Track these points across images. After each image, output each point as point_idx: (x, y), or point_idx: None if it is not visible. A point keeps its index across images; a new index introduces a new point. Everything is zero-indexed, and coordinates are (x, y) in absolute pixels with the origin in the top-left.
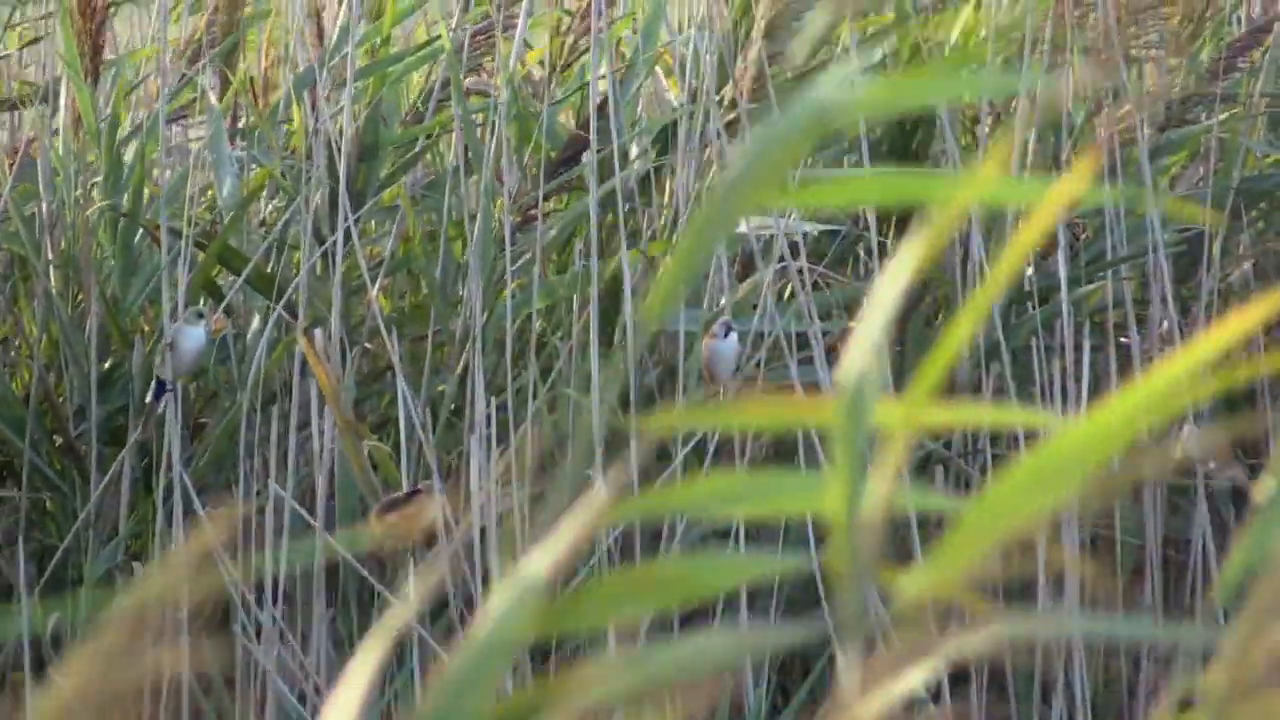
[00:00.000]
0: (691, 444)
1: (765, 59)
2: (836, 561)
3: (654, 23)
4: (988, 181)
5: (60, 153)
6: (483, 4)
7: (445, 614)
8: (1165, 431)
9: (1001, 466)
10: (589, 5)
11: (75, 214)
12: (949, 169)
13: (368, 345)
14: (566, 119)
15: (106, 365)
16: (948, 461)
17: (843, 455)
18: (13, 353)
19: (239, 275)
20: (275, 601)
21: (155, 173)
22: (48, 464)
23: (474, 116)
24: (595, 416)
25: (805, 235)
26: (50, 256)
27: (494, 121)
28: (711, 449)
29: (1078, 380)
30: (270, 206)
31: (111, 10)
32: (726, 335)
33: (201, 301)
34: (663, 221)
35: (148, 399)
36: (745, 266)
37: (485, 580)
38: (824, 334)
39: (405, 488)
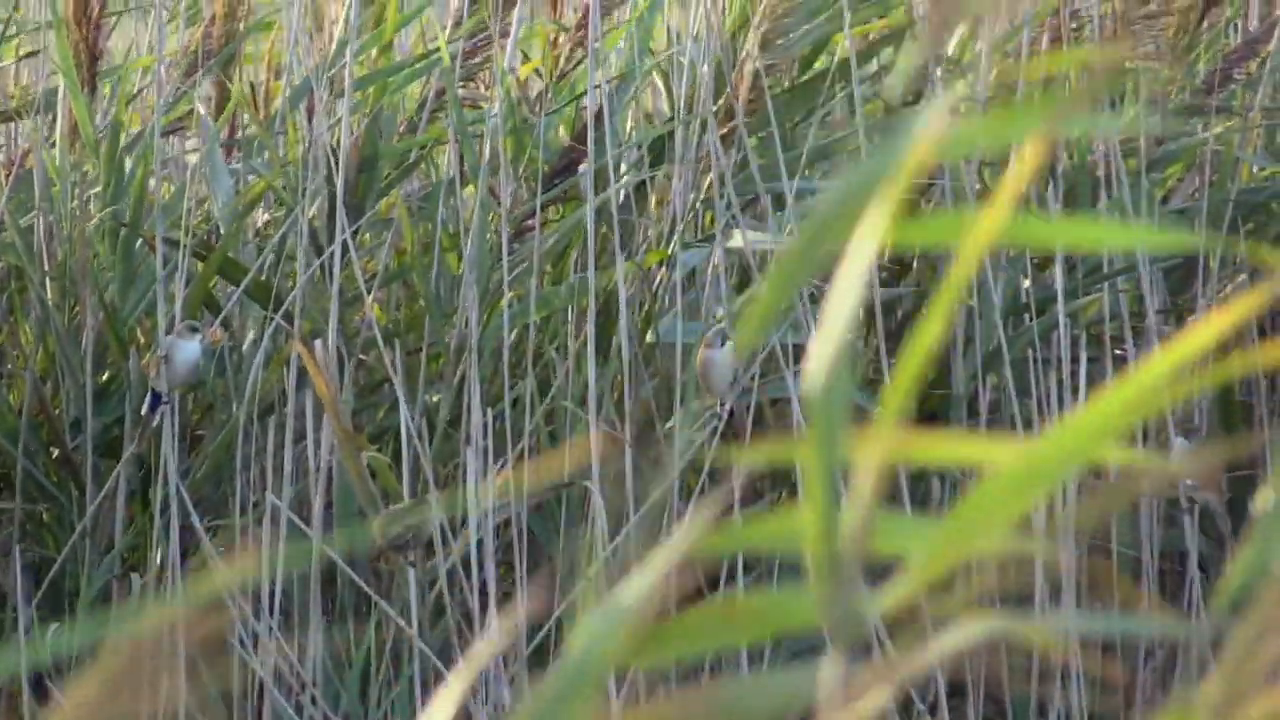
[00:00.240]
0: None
1: (762, 71)
2: (817, 571)
3: (647, 34)
4: (1073, 227)
5: (57, 163)
6: (479, 14)
7: (442, 622)
8: (1160, 444)
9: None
10: (584, 17)
11: (72, 225)
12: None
13: (363, 357)
14: (558, 133)
15: (103, 377)
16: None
17: (817, 466)
18: (9, 364)
19: (237, 286)
20: (272, 612)
21: (150, 184)
22: (44, 475)
23: (470, 128)
24: (592, 428)
25: None
26: (46, 268)
27: (489, 134)
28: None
29: (1075, 392)
30: (267, 217)
31: (112, 20)
32: (722, 345)
33: (198, 315)
34: (658, 233)
35: (143, 411)
36: (742, 278)
37: (483, 591)
38: None
39: (405, 498)
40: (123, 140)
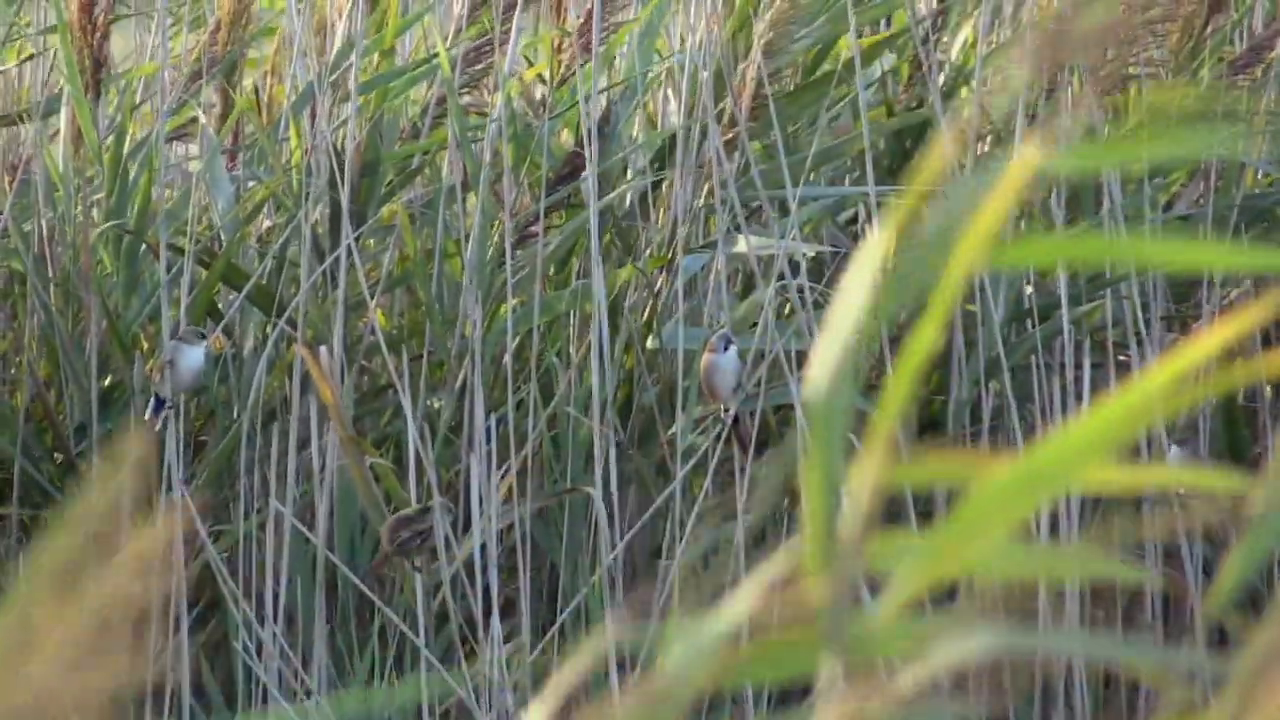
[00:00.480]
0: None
1: (765, 76)
2: (814, 582)
3: (650, 39)
4: (1187, 248)
5: (60, 169)
6: (481, 21)
7: (446, 628)
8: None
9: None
10: (585, 21)
11: (75, 231)
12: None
13: (365, 363)
14: (560, 138)
15: (107, 382)
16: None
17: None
18: (12, 369)
19: (239, 292)
20: (276, 618)
21: (154, 190)
22: (48, 481)
23: (472, 133)
24: (596, 433)
25: (804, 254)
26: (50, 273)
27: (490, 139)
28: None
29: (1078, 398)
30: (269, 223)
31: (117, 25)
32: (726, 349)
33: (202, 321)
34: (660, 238)
35: (146, 415)
36: (746, 284)
37: (486, 597)
38: None
39: (410, 504)
40: (127, 147)
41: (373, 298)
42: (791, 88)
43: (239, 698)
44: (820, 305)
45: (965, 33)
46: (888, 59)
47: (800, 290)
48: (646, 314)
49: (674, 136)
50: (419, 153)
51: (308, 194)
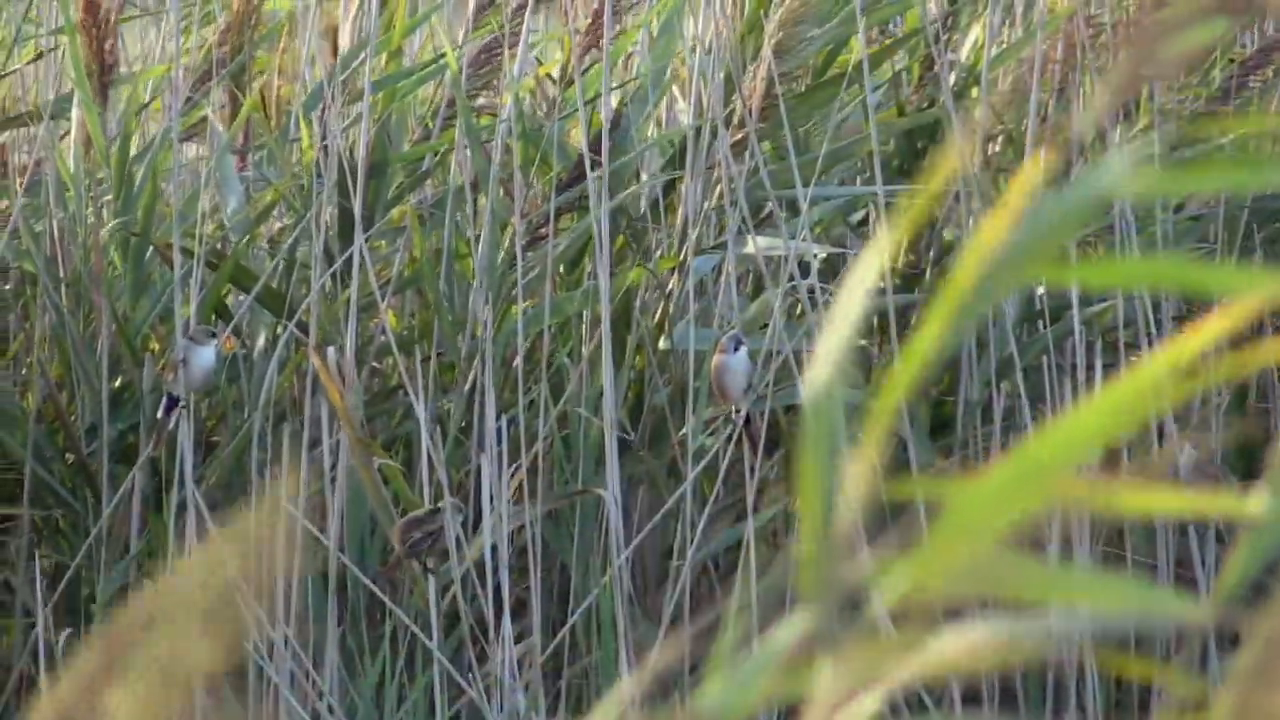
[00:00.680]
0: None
1: (775, 77)
2: (807, 573)
3: (668, 37)
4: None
5: (71, 170)
6: (490, 22)
7: (457, 629)
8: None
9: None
10: (593, 21)
11: (86, 232)
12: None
13: (376, 364)
14: (570, 138)
15: (118, 383)
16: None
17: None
18: (24, 370)
19: (249, 294)
20: (287, 619)
21: (168, 190)
22: (59, 482)
23: (482, 134)
24: (608, 434)
25: (815, 256)
26: (61, 274)
27: (500, 139)
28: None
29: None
30: (279, 225)
31: (125, 24)
32: (736, 349)
33: (211, 322)
34: (672, 239)
35: (159, 414)
36: (756, 285)
37: (497, 598)
38: None
39: (419, 505)
40: (133, 149)
41: (383, 299)
42: (803, 89)
43: (250, 697)
44: (831, 306)
45: (976, 33)
46: (899, 59)
47: (811, 291)
48: (658, 315)
49: (684, 138)
50: (429, 154)
51: (318, 194)
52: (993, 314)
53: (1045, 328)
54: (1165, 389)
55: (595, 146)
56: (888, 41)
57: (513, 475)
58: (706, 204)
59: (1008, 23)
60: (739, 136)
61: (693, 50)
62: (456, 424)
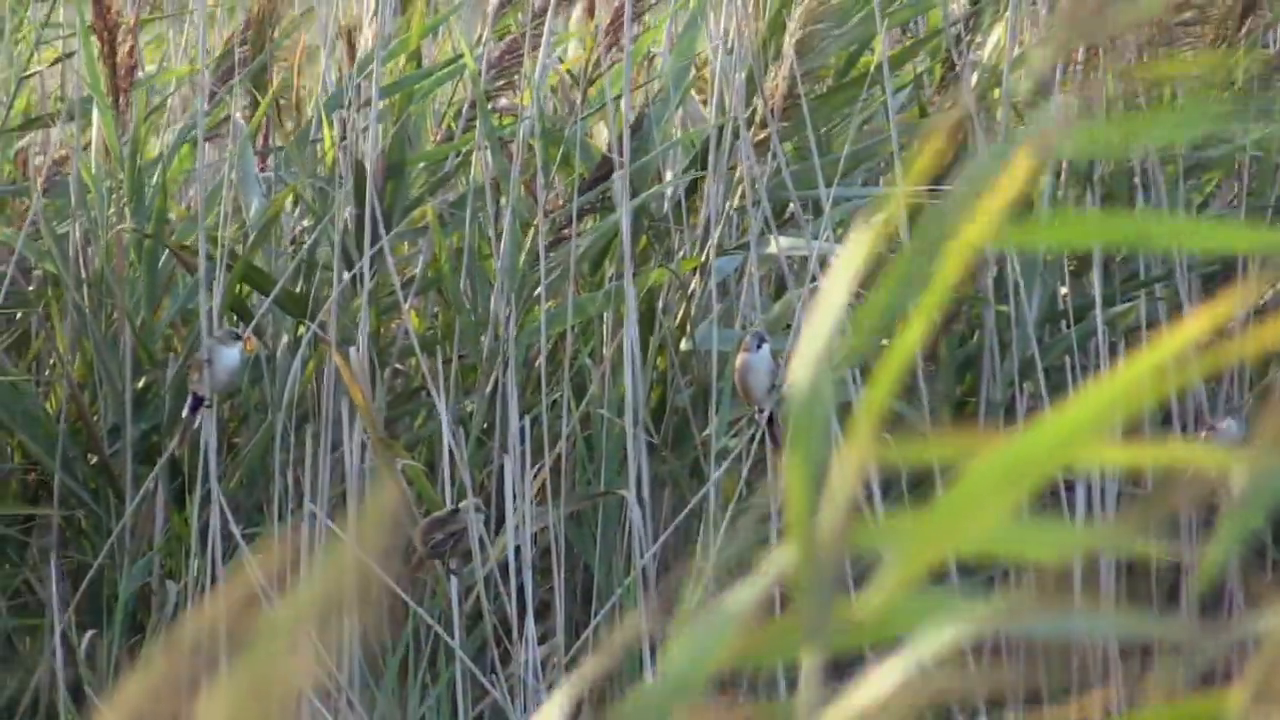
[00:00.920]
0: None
1: (798, 77)
2: (798, 573)
3: (691, 35)
4: (1205, 230)
5: (92, 171)
6: (506, 21)
7: (479, 629)
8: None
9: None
10: (613, 20)
11: (107, 233)
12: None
13: (398, 366)
14: (591, 138)
15: (141, 384)
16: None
17: (799, 467)
18: (46, 371)
19: (268, 296)
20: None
21: (191, 191)
22: (82, 482)
23: (505, 135)
24: (630, 435)
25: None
26: (83, 275)
27: (522, 140)
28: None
29: None
30: (300, 226)
31: (140, 26)
32: (759, 348)
33: (231, 323)
34: (694, 240)
35: (184, 414)
36: (779, 285)
37: (520, 598)
38: None
39: (441, 505)
40: (145, 152)
41: (405, 300)
42: (825, 90)
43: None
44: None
45: (997, 34)
46: (920, 60)
47: None
48: (680, 315)
49: (707, 138)
50: (451, 154)
51: (337, 195)
52: (1014, 314)
53: (1069, 328)
54: (1188, 363)
55: (617, 147)
56: (909, 42)
57: (535, 476)
58: (729, 204)
59: (1030, 23)
60: (761, 136)
61: (714, 50)
62: (479, 425)
